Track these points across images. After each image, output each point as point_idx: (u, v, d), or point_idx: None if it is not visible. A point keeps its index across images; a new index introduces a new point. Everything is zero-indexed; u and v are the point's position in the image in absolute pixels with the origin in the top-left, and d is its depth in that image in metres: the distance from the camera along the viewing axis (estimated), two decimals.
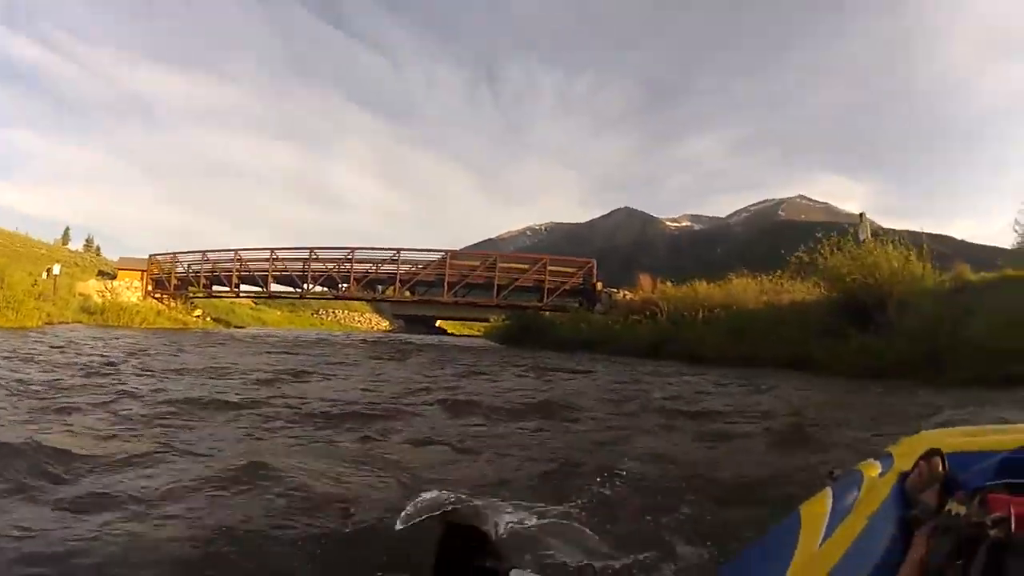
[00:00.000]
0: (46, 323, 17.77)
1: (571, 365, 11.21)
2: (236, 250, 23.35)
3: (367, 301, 31.71)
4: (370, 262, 23.21)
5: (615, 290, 24.66)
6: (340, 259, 23.00)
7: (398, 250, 23.29)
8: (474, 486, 2.41)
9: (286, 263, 22.93)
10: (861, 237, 13.73)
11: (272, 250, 22.96)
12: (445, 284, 23.36)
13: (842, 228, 13.99)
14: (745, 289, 18.49)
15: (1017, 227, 16.18)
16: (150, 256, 25.46)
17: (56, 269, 23.42)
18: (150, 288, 25.17)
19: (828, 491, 1.02)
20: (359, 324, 39.28)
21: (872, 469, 1.03)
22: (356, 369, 9.03)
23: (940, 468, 0.87)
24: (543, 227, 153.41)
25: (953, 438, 1.00)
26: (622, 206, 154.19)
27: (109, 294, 24.59)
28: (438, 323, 41.09)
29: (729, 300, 17.71)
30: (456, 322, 41.96)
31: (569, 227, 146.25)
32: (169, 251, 25.21)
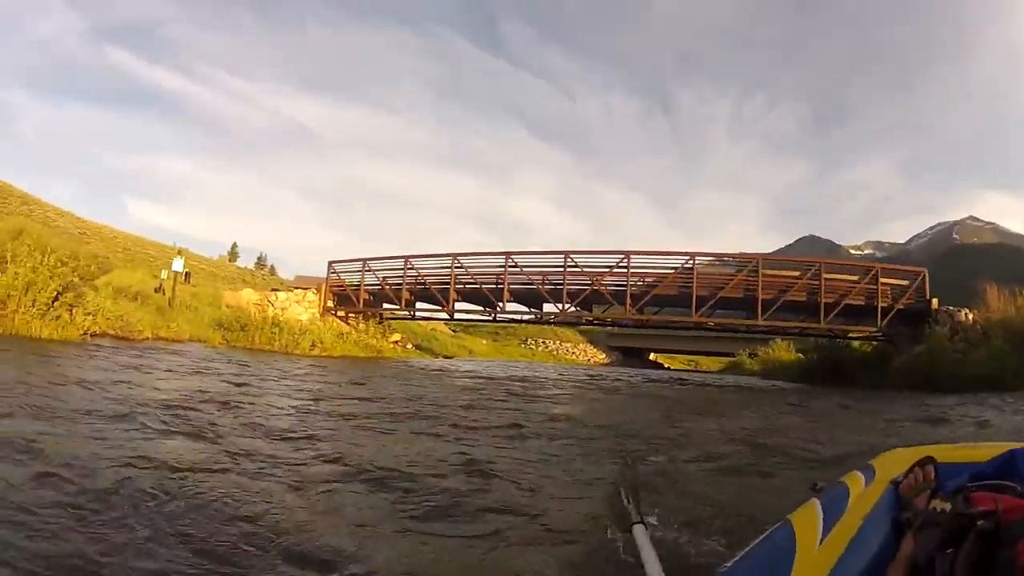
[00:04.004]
0: (117, 335, 10.53)
1: None
2: (455, 255, 16.54)
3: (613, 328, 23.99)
4: (652, 275, 15.50)
5: (956, 308, 15.74)
6: (609, 267, 15.44)
7: (692, 255, 15.36)
8: None
9: (529, 274, 15.73)
10: None
11: (508, 254, 15.89)
12: (758, 304, 15.11)
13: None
14: None
15: None
16: (330, 263, 19.45)
17: (178, 265, 16.28)
18: (330, 304, 19.10)
19: (815, 501, 1.07)
20: (574, 356, 31.84)
21: (856, 480, 1.12)
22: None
23: (933, 475, 0.98)
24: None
25: (934, 452, 1.09)
26: (806, 234, 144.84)
27: (272, 308, 18.35)
28: (652, 356, 33.10)
29: None
30: (664, 355, 33.97)
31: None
32: (356, 258, 19.02)
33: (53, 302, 9.15)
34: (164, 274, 17.77)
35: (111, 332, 10.60)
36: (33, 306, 8.94)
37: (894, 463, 1.11)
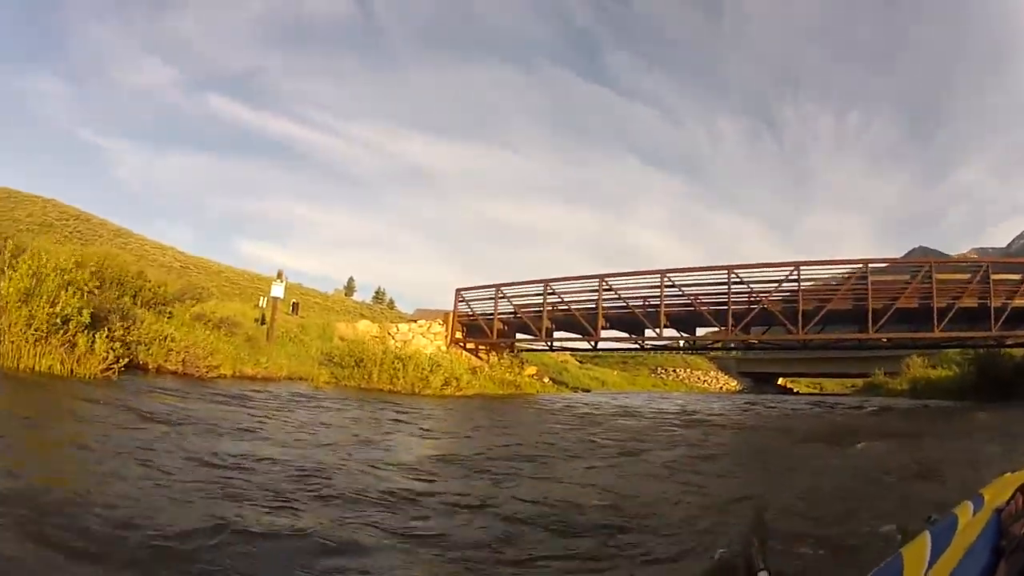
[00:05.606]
0: (178, 372, 8.71)
1: None
2: (603, 276, 16.08)
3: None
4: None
5: None
6: (777, 282, 14.67)
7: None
8: None
9: (687, 294, 15.09)
10: None
11: (663, 273, 15.23)
12: (934, 313, 13.93)
13: None
14: None
15: None
16: (458, 291, 19.18)
17: (277, 290, 14.56)
18: (459, 336, 18.76)
19: (927, 534, 1.03)
20: (705, 384, 30.86)
21: (966, 510, 1.11)
22: None
23: None
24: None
25: None
26: (915, 246, 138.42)
27: (392, 340, 17.19)
28: (780, 381, 31.64)
29: None
30: (794, 379, 32.38)
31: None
32: (488, 284, 18.71)
33: (64, 323, 6.91)
34: (262, 302, 16.63)
35: (169, 367, 8.66)
36: (30, 327, 6.64)
37: (1001, 490, 1.13)
